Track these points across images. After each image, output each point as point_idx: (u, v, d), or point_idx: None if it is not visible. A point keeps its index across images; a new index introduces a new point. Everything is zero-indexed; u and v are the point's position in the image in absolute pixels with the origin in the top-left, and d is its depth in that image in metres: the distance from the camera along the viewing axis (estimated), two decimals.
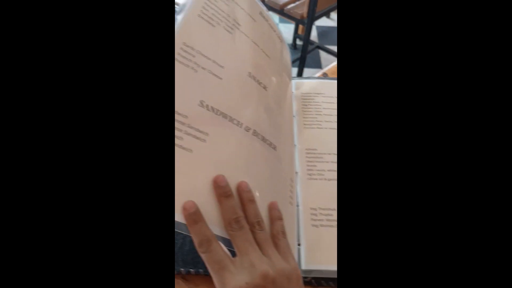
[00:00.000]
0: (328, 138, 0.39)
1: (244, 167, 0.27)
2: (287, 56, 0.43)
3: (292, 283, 0.24)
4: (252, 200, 0.26)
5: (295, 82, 0.45)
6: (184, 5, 0.30)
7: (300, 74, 1.49)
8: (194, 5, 0.30)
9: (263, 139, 0.30)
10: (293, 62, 1.63)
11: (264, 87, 0.33)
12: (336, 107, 0.43)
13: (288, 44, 1.95)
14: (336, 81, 0.47)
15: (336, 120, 0.41)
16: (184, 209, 0.22)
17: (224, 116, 0.28)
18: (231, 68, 0.30)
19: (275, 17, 2.08)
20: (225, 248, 0.24)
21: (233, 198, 0.25)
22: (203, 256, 0.23)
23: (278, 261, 0.24)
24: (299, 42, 1.84)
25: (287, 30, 1.87)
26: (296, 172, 0.36)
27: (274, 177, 0.30)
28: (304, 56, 1.43)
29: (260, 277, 0.22)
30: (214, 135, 0.26)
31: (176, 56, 0.26)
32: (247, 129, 0.29)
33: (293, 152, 0.36)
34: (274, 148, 0.31)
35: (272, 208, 0.28)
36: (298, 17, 1.31)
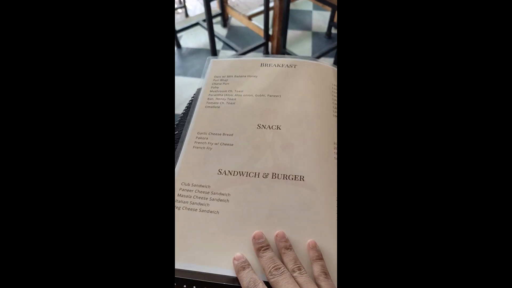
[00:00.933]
0: None
1: (272, 212, 0.30)
2: (311, 67, 0.42)
3: None
4: (289, 248, 0.27)
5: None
6: (195, 99, 0.39)
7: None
8: (202, 99, 0.39)
9: (285, 177, 0.32)
10: (328, 52, 1.47)
11: (278, 127, 0.36)
12: None
13: (322, 33, 1.76)
14: None
15: None
16: (235, 259, 0.27)
17: (241, 173, 0.32)
18: (239, 132, 0.35)
19: (309, 4, 1.96)
20: None
21: (270, 249, 0.27)
22: None
23: None
24: (334, 31, 1.68)
25: (321, 18, 1.75)
26: None
27: (310, 208, 0.30)
28: None
29: None
30: (236, 193, 0.31)
31: (194, 144, 0.35)
32: (265, 176, 0.32)
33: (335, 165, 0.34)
34: (301, 178, 0.31)
35: (311, 248, 0.28)
36: (336, 3, 1.20)
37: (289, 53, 1.47)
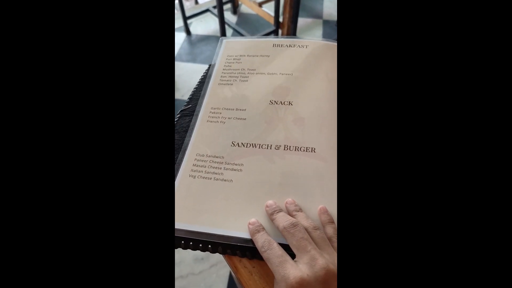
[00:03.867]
0: None
1: (284, 180, 0.31)
2: (322, 46, 0.43)
3: None
4: (299, 210, 0.28)
5: None
6: (209, 76, 0.41)
7: None
8: (215, 77, 0.41)
9: (297, 149, 0.33)
10: None
11: (290, 103, 0.37)
12: None
13: (333, 21, 1.72)
14: None
15: None
16: (250, 223, 0.28)
17: (254, 145, 0.33)
18: (252, 107, 0.37)
19: None
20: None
21: (283, 212, 0.28)
22: (265, 255, 0.25)
23: (336, 259, 0.24)
24: None
25: (332, 5, 1.73)
26: None
27: (321, 178, 0.31)
28: None
29: (321, 269, 0.23)
30: (248, 164, 0.32)
31: (208, 118, 0.36)
32: (277, 147, 0.33)
33: None
34: (313, 150, 0.33)
35: (322, 213, 0.29)
36: None
37: None
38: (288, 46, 0.43)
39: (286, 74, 0.40)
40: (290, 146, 0.33)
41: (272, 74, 0.40)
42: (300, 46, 0.43)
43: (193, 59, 1.55)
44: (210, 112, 0.37)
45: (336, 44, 0.43)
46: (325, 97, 0.37)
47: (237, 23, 1.75)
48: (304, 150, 0.33)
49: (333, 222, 0.28)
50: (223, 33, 1.39)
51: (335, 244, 0.26)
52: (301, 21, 1.71)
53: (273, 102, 0.37)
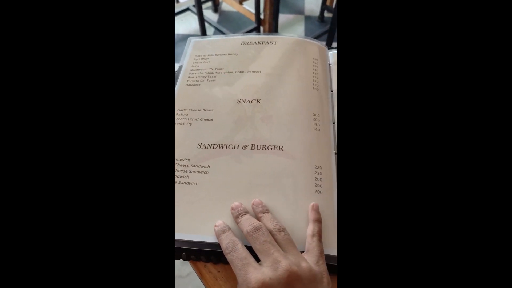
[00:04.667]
0: None
1: (253, 180, 0.30)
2: (292, 42, 0.42)
3: (321, 285, 0.23)
4: (265, 211, 0.28)
5: (332, 53, 0.44)
6: (176, 77, 0.40)
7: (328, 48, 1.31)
8: (182, 78, 0.40)
9: (264, 147, 0.32)
10: (320, 35, 1.46)
11: (257, 101, 0.36)
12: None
13: (315, 17, 1.72)
14: None
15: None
16: (215, 225, 0.27)
17: (220, 146, 0.33)
18: (220, 107, 0.36)
19: None
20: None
21: (248, 215, 0.27)
22: (229, 257, 0.24)
23: (303, 261, 0.24)
24: (327, 14, 1.65)
25: (313, 1, 1.72)
26: (336, 153, 0.34)
27: (289, 175, 0.31)
28: (333, 29, 1.24)
29: (284, 272, 0.22)
30: (215, 165, 0.32)
31: (175, 121, 0.35)
32: (244, 147, 0.32)
33: (318, 136, 0.35)
34: (280, 148, 0.32)
35: (310, 210, 0.28)
36: None
37: None
38: (257, 43, 0.43)
39: (255, 71, 0.39)
40: (257, 145, 0.33)
41: (240, 72, 0.39)
42: (269, 42, 0.43)
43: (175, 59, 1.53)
44: (177, 114, 0.36)
45: (306, 40, 0.43)
46: (295, 94, 0.37)
47: (219, 21, 1.73)
48: (271, 149, 0.32)
49: (318, 220, 0.27)
50: (203, 32, 1.37)
51: (311, 246, 0.26)
52: (283, 17, 1.71)
53: (240, 101, 0.36)
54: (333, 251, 0.27)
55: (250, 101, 0.36)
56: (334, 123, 0.37)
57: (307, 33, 1.62)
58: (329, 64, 0.42)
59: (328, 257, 0.26)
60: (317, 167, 0.32)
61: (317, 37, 1.48)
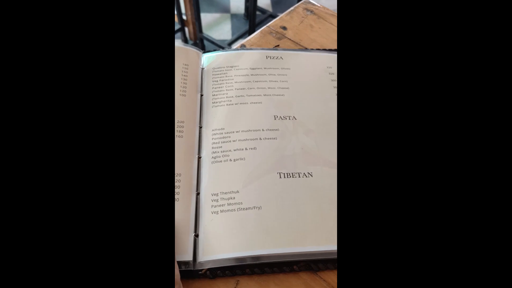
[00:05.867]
0: (237, 115, 0.37)
1: None
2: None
3: None
4: None
5: (205, 56, 0.43)
6: None
7: None
8: None
9: None
10: (245, 34, 1.44)
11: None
12: (248, 79, 0.40)
13: (241, 14, 1.75)
14: (252, 51, 0.43)
15: (247, 94, 0.39)
16: None
17: None
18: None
19: None
20: None
21: None
22: None
23: None
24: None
25: None
26: (200, 157, 0.34)
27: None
28: (252, 27, 1.18)
29: None
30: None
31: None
32: None
33: (179, 143, 0.34)
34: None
35: None
36: None
37: (206, 38, 1.43)
38: None
39: None
40: None
41: None
42: None
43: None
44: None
45: (177, 46, 0.41)
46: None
47: None
48: None
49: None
50: None
51: None
52: (209, 16, 1.69)
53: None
54: (188, 257, 0.27)
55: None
56: (201, 127, 0.36)
57: (234, 31, 1.62)
58: (202, 68, 0.42)
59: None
60: (176, 174, 0.31)
61: (243, 35, 1.48)
